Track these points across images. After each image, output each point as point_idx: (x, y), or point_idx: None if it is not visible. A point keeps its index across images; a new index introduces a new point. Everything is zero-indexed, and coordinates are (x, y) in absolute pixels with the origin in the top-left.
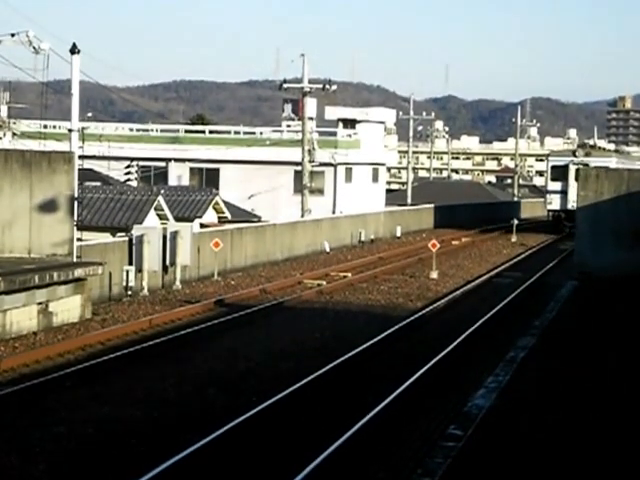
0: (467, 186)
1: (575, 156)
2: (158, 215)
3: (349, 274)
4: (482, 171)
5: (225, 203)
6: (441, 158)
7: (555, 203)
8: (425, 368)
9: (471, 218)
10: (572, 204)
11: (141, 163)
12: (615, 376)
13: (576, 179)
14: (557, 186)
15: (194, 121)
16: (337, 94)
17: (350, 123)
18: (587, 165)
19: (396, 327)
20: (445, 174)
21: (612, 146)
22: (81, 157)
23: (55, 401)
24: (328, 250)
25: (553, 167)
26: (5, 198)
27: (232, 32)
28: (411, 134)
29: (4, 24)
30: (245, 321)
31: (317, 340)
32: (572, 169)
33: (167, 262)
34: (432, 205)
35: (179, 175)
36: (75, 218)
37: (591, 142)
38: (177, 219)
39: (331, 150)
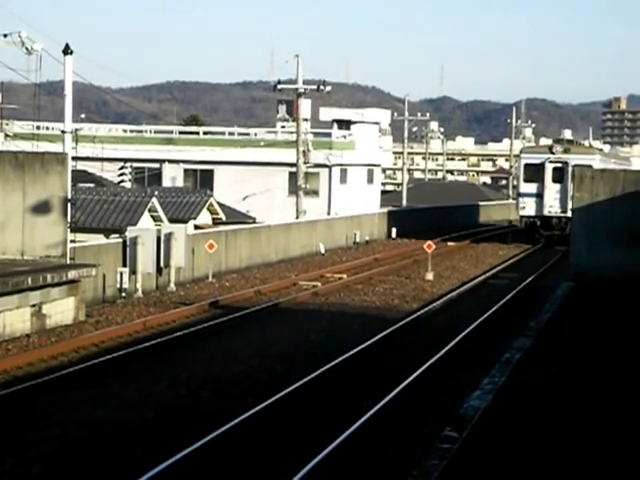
0: (462, 187)
1: (552, 153)
2: (152, 217)
3: (344, 275)
4: (477, 172)
5: (219, 204)
6: (436, 159)
7: (529, 208)
8: (421, 369)
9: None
10: (549, 209)
11: (135, 164)
12: (610, 374)
13: (554, 180)
14: (532, 188)
15: (188, 122)
16: (332, 95)
17: (345, 124)
18: (566, 163)
19: (391, 329)
20: (440, 175)
21: (607, 147)
22: (74, 158)
23: (49, 404)
24: (323, 251)
25: (527, 165)
26: None
27: (226, 33)
28: (406, 135)
29: None
30: (240, 323)
31: (312, 342)
32: (549, 168)
33: (161, 264)
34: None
35: (173, 176)
36: (68, 220)
37: (586, 143)
38: (171, 220)
39: (326, 151)
